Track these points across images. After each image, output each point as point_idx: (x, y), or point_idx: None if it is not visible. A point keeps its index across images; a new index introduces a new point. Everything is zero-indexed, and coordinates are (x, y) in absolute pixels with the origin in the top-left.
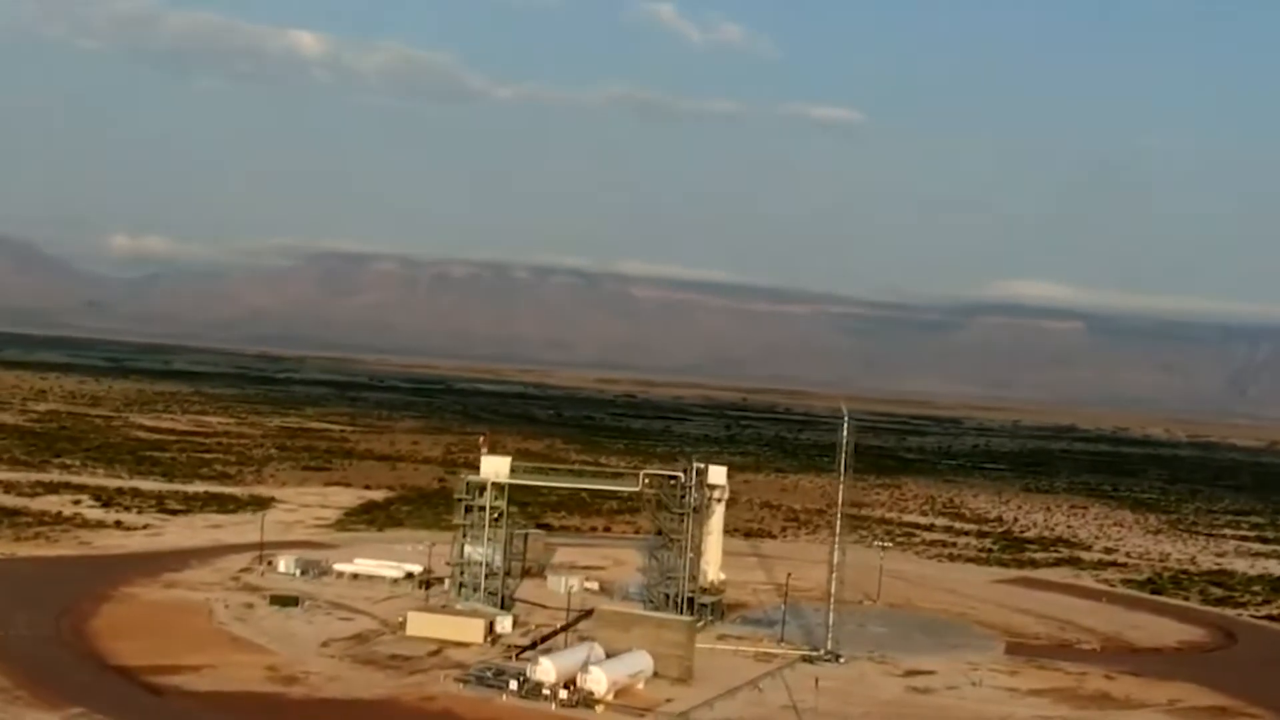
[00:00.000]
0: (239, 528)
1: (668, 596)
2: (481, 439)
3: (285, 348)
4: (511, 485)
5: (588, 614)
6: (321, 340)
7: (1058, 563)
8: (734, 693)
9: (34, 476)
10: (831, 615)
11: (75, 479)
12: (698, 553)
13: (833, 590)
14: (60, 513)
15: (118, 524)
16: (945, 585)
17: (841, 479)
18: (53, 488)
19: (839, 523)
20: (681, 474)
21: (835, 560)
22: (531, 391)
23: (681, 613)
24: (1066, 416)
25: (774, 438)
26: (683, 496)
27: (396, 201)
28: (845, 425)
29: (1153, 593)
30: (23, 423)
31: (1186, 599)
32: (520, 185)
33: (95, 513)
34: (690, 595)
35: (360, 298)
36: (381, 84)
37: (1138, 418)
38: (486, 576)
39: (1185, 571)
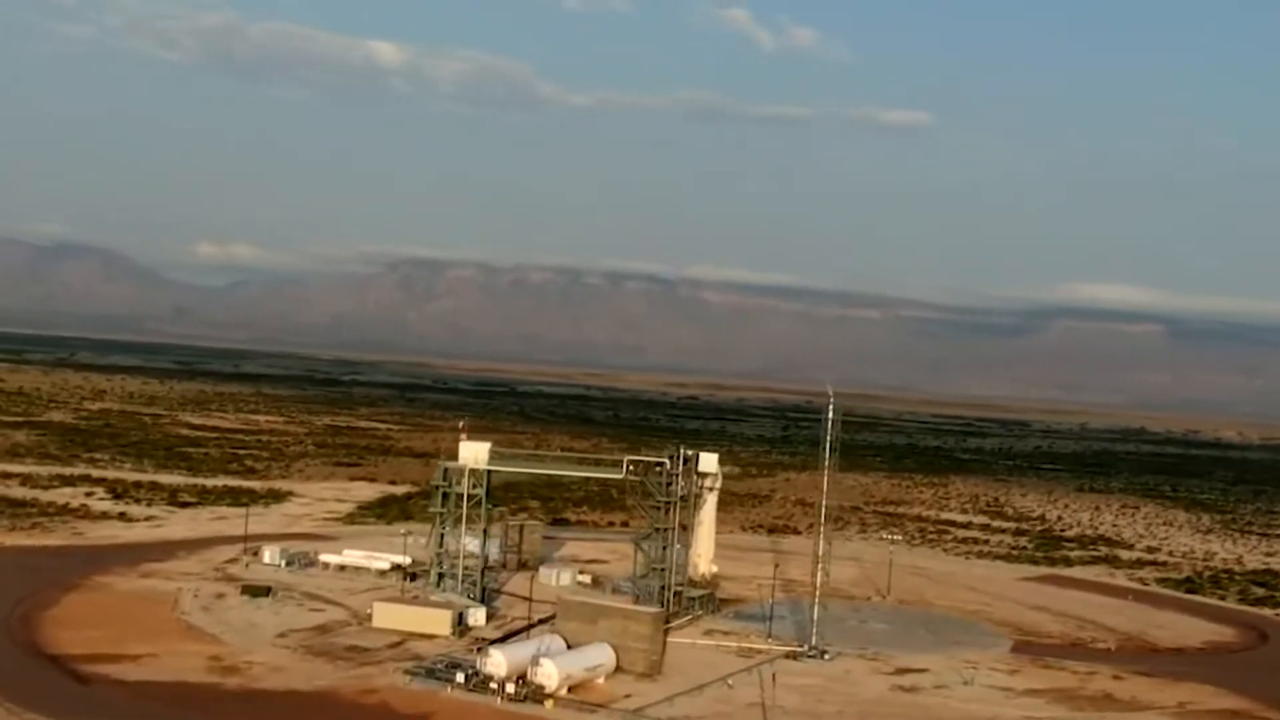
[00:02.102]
0: (241, 521)
1: (651, 590)
2: (461, 425)
3: (364, 352)
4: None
5: None
6: (400, 345)
7: (1093, 561)
8: (701, 689)
9: (57, 470)
10: (817, 610)
11: (98, 473)
12: (686, 544)
13: (818, 584)
14: (68, 504)
15: (121, 516)
16: (966, 582)
17: (825, 465)
18: (70, 480)
19: (821, 513)
20: (667, 460)
21: (819, 553)
22: (594, 394)
23: (667, 607)
24: (1140, 420)
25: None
26: (669, 484)
27: (474, 208)
28: (830, 410)
29: (1188, 592)
30: (70, 420)
31: (1223, 598)
32: (593, 191)
33: (104, 505)
34: (679, 588)
35: (438, 303)
36: (458, 92)
37: (1211, 421)
38: (466, 567)
39: (1229, 571)
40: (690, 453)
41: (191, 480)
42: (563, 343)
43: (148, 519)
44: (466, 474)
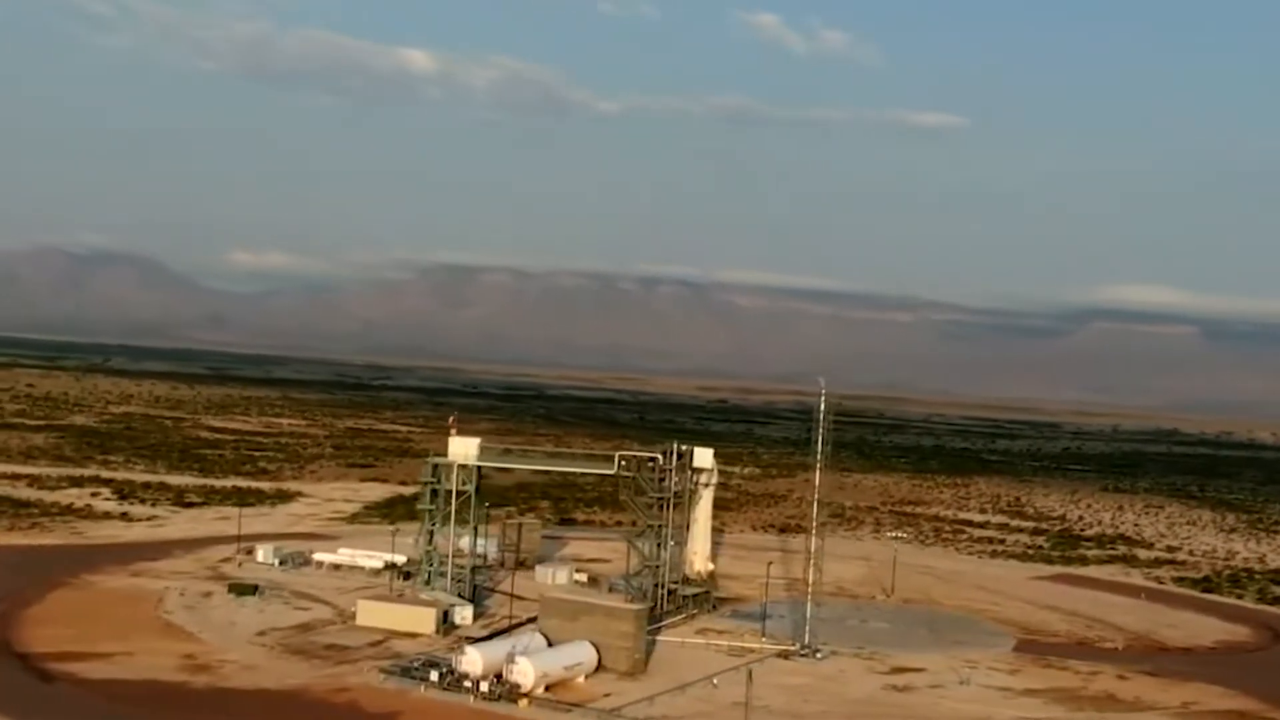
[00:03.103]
0: (247, 520)
1: (645, 588)
2: (450, 420)
3: (398, 358)
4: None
5: None
6: (433, 351)
7: (1110, 560)
8: (684, 688)
9: (68, 471)
10: (810, 608)
11: (108, 474)
12: (681, 541)
13: (810, 582)
14: (71, 504)
15: (124, 516)
16: (977, 581)
17: (819, 459)
18: (79, 481)
19: (815, 510)
20: (660, 456)
21: (812, 549)
22: (623, 397)
23: (659, 606)
24: (1173, 422)
25: (855, 440)
26: (662, 480)
27: (506, 214)
28: (822, 402)
29: (1205, 591)
30: (91, 423)
31: (1240, 597)
32: (626, 197)
33: (108, 505)
34: (673, 586)
35: (471, 309)
36: (489, 99)
37: (1246, 423)
38: (456, 564)
39: (1249, 570)
40: (684, 448)
41: (201, 481)
42: (595, 348)
43: (149, 519)
44: (455, 470)
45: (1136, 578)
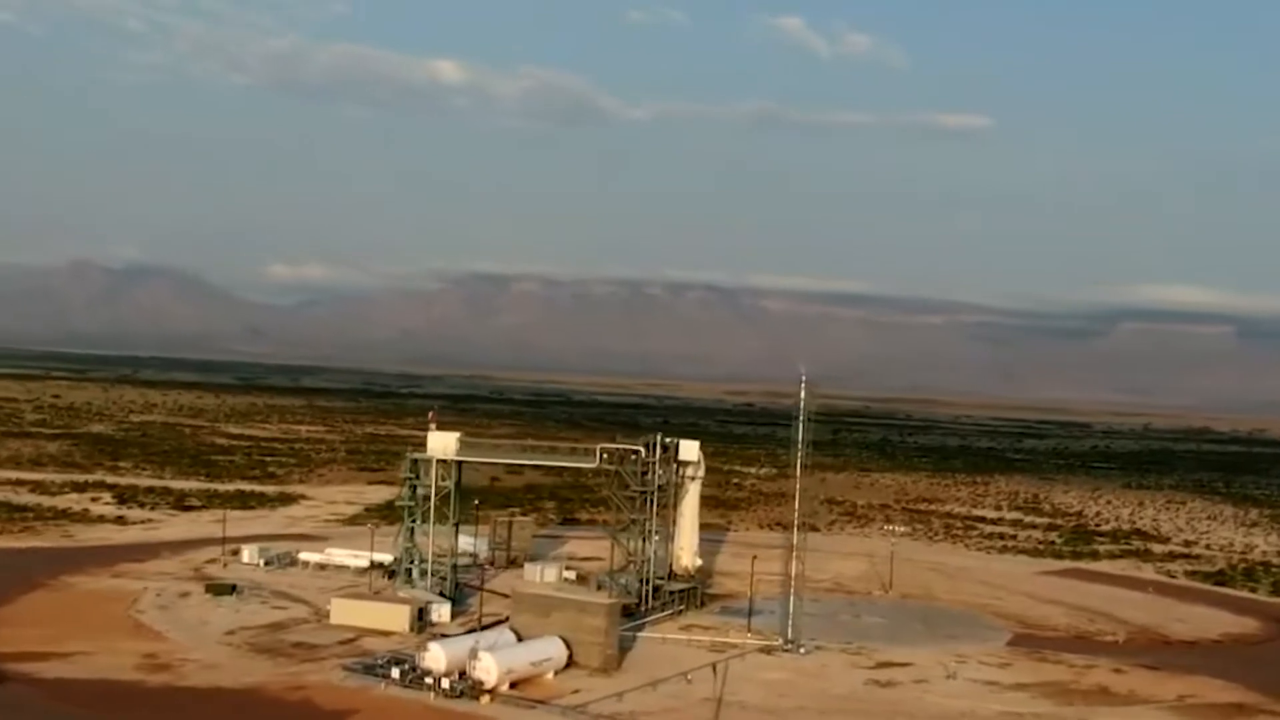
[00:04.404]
0: (245, 523)
1: (629, 585)
2: (431, 414)
3: (431, 367)
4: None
5: None
6: (466, 360)
7: (1122, 555)
8: (657, 685)
9: (73, 477)
10: (792, 603)
11: (113, 479)
12: (666, 536)
13: (793, 576)
14: (68, 509)
15: (119, 519)
16: (982, 577)
17: (800, 449)
18: (81, 486)
19: (798, 502)
20: (643, 448)
21: (795, 544)
22: (650, 402)
23: (644, 603)
24: (1207, 422)
25: (879, 441)
26: (644, 473)
27: (537, 222)
28: (802, 391)
29: (1217, 584)
30: (108, 431)
31: (1254, 590)
32: (654, 203)
33: (106, 509)
34: (659, 583)
35: (503, 317)
36: (519, 108)
37: None
38: (437, 562)
39: (1266, 563)
40: (669, 440)
41: (205, 485)
42: (626, 354)
43: (144, 522)
44: (434, 465)
45: (1148, 572)
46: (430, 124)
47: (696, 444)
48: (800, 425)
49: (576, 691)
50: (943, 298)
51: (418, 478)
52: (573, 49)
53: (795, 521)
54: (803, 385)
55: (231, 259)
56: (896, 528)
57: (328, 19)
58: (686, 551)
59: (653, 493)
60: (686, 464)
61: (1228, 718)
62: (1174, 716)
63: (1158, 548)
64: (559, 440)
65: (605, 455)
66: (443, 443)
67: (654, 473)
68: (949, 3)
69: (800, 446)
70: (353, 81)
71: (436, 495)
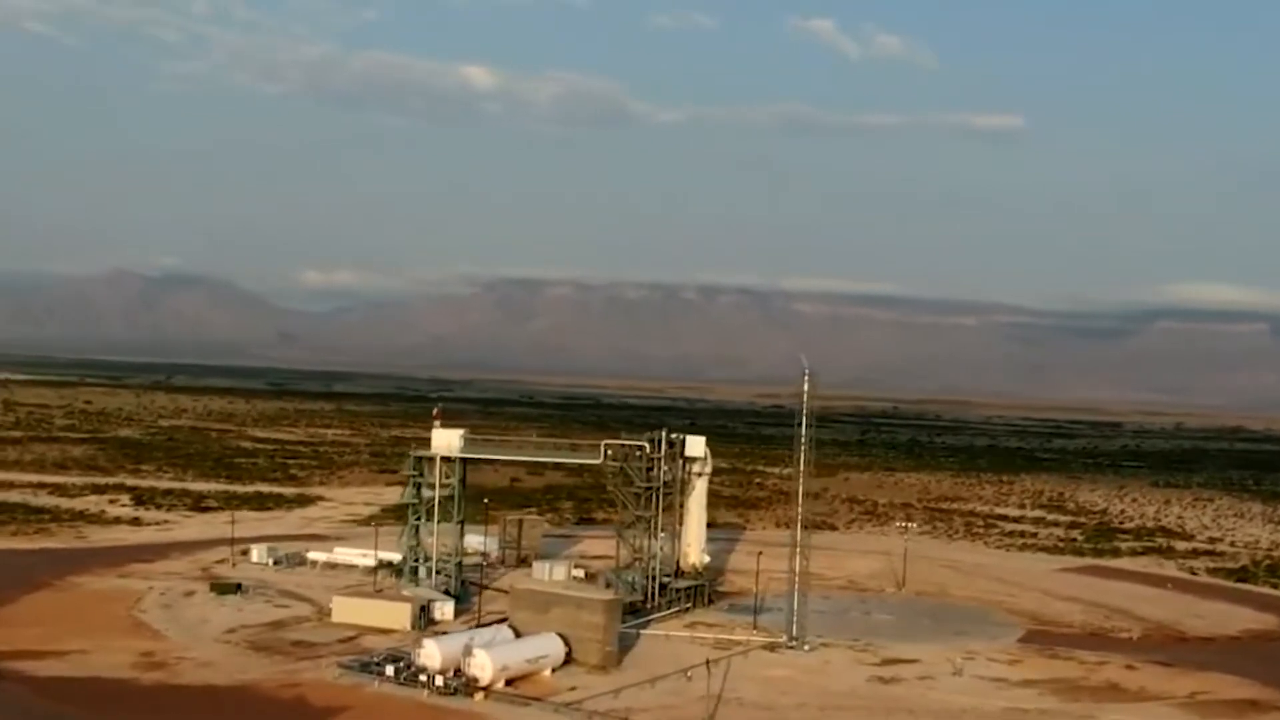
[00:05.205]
0: (259, 523)
1: (634, 582)
2: (435, 411)
3: (464, 372)
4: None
5: None
6: (499, 364)
7: (1145, 552)
8: (655, 682)
9: (94, 479)
10: (796, 600)
11: (133, 481)
12: (673, 532)
13: (797, 573)
14: (85, 510)
15: (134, 520)
16: (998, 574)
17: (802, 442)
18: (100, 489)
19: (799, 497)
20: (647, 444)
21: (798, 540)
22: (680, 404)
23: (650, 600)
24: (1242, 420)
25: (907, 441)
26: (650, 469)
27: (569, 227)
28: (805, 381)
29: (1239, 581)
30: (136, 435)
31: (1276, 587)
32: (687, 207)
33: (123, 510)
34: (665, 580)
35: (536, 322)
36: (550, 114)
37: None
38: (440, 560)
39: None
40: (675, 435)
41: (225, 487)
42: (660, 358)
43: (159, 523)
44: (438, 462)
45: (1170, 569)
46: (462, 129)
47: (703, 440)
48: (802, 420)
49: (573, 689)
50: (976, 299)
51: (422, 475)
52: (601, 54)
53: (798, 518)
54: (805, 378)
55: (266, 266)
56: (910, 524)
57: (359, 26)
58: (694, 548)
59: (658, 489)
60: (693, 460)
61: (1240, 714)
62: (1184, 713)
63: (1181, 545)
64: (579, 440)
65: (610, 452)
66: (446, 439)
67: (659, 469)
68: (980, 3)
69: (802, 442)
70: (385, 88)
71: (441, 493)
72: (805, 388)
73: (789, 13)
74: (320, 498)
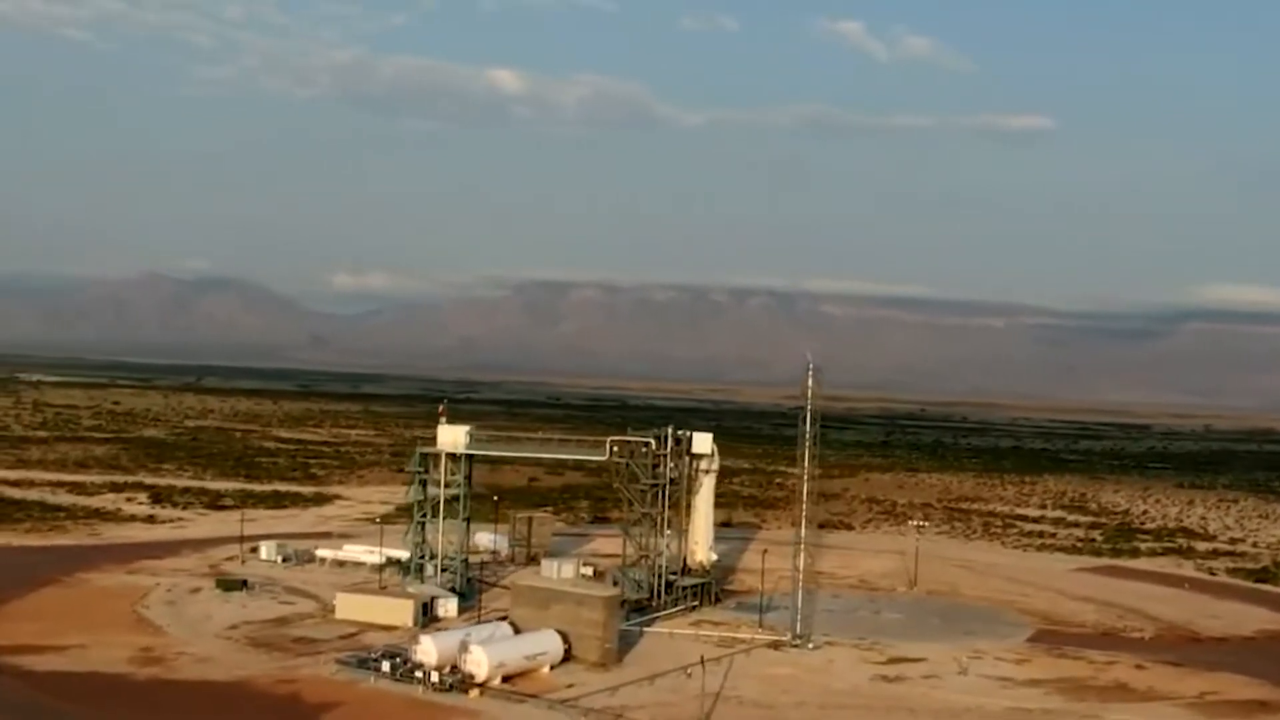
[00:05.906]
0: (274, 521)
1: (639, 580)
2: (440, 408)
3: (493, 374)
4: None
5: None
6: (528, 366)
7: (1164, 552)
8: (654, 679)
9: (114, 478)
10: (799, 598)
11: (152, 480)
12: (679, 530)
13: (800, 570)
14: (101, 508)
15: (149, 518)
16: (1012, 574)
17: (806, 441)
18: (119, 487)
19: (803, 496)
20: (653, 440)
21: (801, 539)
22: (705, 406)
23: (655, 598)
24: (1271, 423)
25: (931, 443)
26: (656, 466)
27: (596, 229)
28: (809, 378)
29: (1259, 581)
30: (161, 435)
31: None
32: (714, 209)
33: (140, 508)
34: (671, 578)
35: (564, 324)
36: (576, 117)
37: None
38: (446, 557)
39: None
40: (681, 432)
41: (243, 486)
42: (688, 360)
43: (174, 521)
44: (444, 459)
45: (1188, 569)
46: (490, 131)
47: (709, 436)
48: (806, 415)
49: (570, 686)
50: (1003, 300)
51: (427, 472)
52: (627, 57)
53: (801, 516)
54: (809, 373)
55: (297, 269)
56: (924, 523)
57: (388, 31)
58: (701, 546)
59: (664, 486)
60: (699, 457)
61: (1249, 715)
62: (1192, 713)
63: (1202, 545)
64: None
65: (615, 448)
66: (452, 436)
67: (665, 465)
68: (1011, 5)
69: (806, 439)
70: (414, 91)
71: (447, 489)
72: (809, 384)
73: (816, 15)
74: (338, 496)
